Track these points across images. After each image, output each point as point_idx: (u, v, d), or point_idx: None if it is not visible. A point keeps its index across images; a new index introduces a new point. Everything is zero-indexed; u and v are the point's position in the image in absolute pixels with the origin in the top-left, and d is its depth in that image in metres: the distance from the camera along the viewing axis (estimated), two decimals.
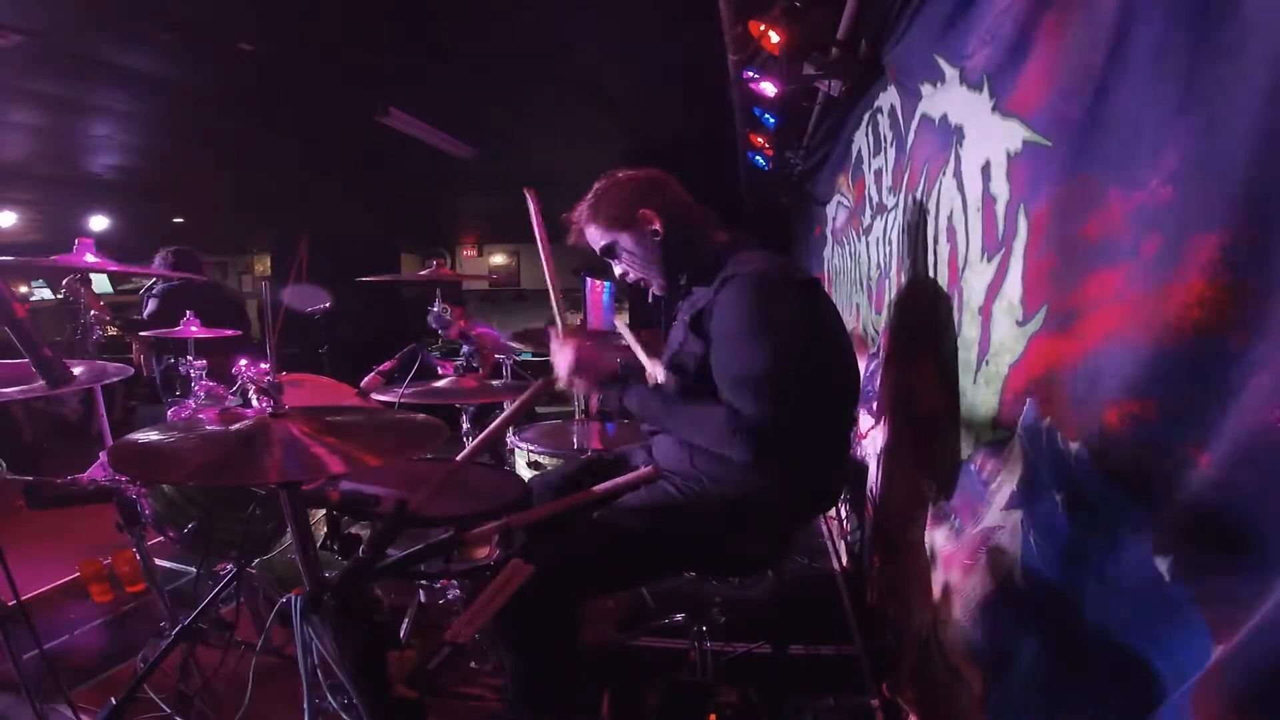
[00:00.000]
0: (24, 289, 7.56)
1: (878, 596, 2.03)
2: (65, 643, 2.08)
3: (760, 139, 3.46)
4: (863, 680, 1.94)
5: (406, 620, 1.86)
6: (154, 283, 3.81)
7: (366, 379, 2.23)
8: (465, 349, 2.50)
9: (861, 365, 2.54)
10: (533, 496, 1.66)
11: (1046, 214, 1.05)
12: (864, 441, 2.41)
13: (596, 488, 1.43)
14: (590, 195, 1.52)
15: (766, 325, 1.31)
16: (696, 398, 1.39)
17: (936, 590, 1.42)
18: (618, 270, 1.56)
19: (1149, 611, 0.76)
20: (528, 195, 1.63)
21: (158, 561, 1.88)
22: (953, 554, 1.35)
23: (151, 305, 3.64)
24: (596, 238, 1.52)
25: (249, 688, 1.21)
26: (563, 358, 1.48)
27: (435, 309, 2.27)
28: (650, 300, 1.72)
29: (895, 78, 1.96)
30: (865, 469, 2.34)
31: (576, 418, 2.71)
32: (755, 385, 1.28)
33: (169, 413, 2.54)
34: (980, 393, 1.27)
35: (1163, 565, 0.73)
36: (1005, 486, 1.14)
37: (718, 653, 1.93)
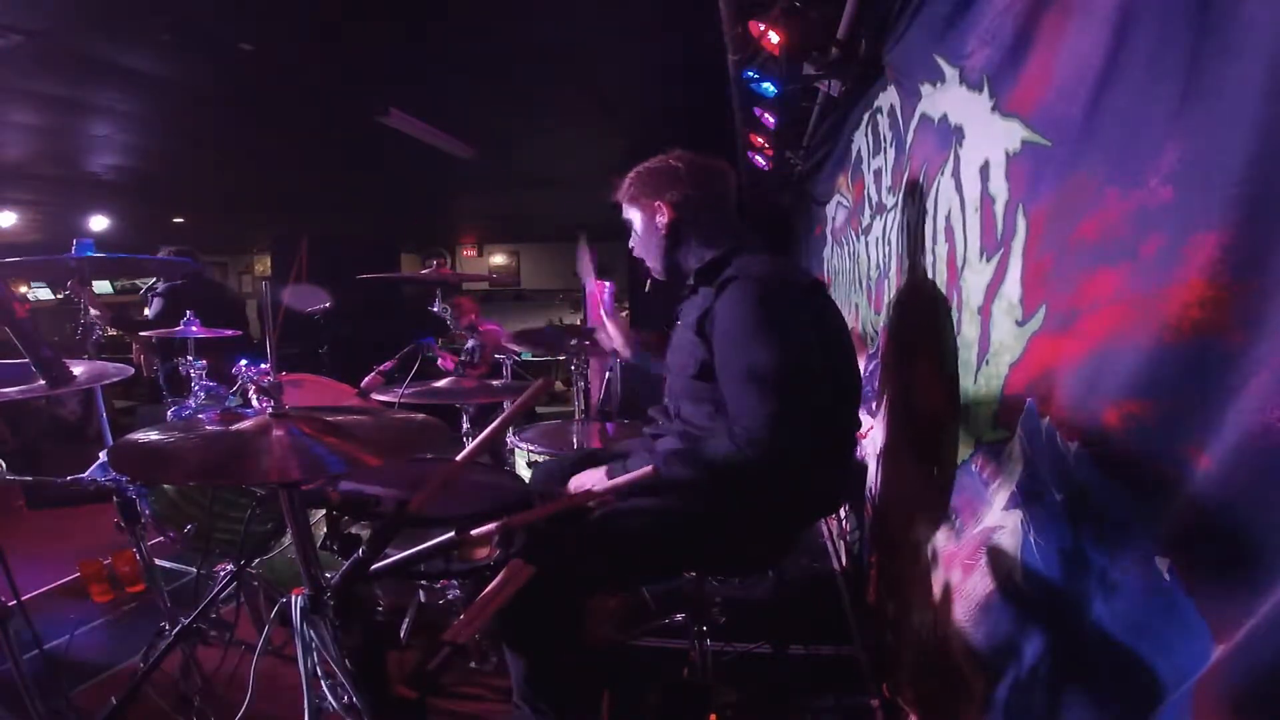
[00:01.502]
0: (24, 289, 7.56)
1: (878, 596, 2.02)
2: (65, 643, 2.08)
3: (760, 139, 3.46)
4: (863, 680, 1.94)
5: (406, 620, 1.86)
6: (156, 282, 3.81)
7: (366, 379, 2.23)
8: (470, 343, 2.53)
9: (861, 365, 2.54)
10: (531, 487, 1.67)
11: (1046, 214, 1.05)
12: (864, 441, 2.41)
13: (596, 487, 1.43)
14: (639, 167, 1.58)
15: (770, 324, 1.32)
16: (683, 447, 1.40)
17: (936, 590, 1.41)
18: (630, 242, 1.63)
19: (1149, 612, 0.76)
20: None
21: (158, 561, 1.88)
22: (953, 554, 1.35)
23: (157, 305, 3.64)
24: (625, 209, 1.60)
25: (249, 688, 1.21)
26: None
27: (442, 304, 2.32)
28: (651, 289, 1.78)
29: (895, 78, 1.96)
30: (865, 469, 2.34)
31: (576, 418, 2.71)
32: (763, 383, 1.28)
33: (169, 413, 2.54)
34: (980, 392, 1.27)
35: (1163, 565, 0.73)
36: (1005, 486, 1.14)
37: (718, 653, 1.93)
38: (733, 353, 1.34)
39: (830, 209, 3.61)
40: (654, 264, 1.58)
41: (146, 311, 3.79)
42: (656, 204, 1.51)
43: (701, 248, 1.50)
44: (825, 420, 1.40)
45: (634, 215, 1.57)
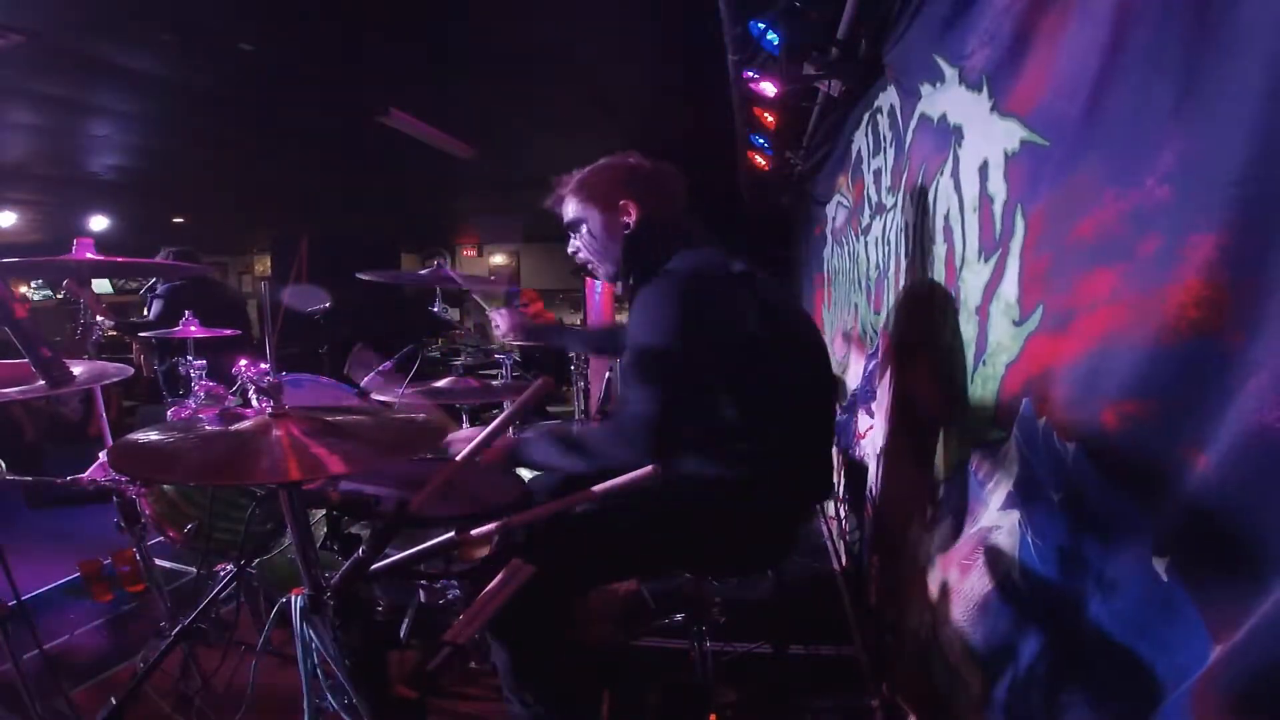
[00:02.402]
0: (24, 289, 7.56)
1: (877, 596, 2.03)
2: (65, 643, 2.08)
3: (760, 139, 3.46)
4: (863, 680, 1.94)
5: (406, 620, 1.86)
6: (156, 282, 3.81)
7: (366, 379, 2.23)
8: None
9: (860, 365, 2.54)
10: (533, 499, 1.66)
11: (1043, 214, 1.05)
12: (863, 441, 2.41)
13: (596, 487, 1.42)
14: (590, 167, 1.52)
15: (669, 316, 1.29)
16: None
17: (936, 590, 1.42)
18: (570, 247, 1.56)
19: (1147, 612, 0.76)
20: None
21: (158, 561, 1.88)
22: (951, 554, 1.35)
23: (157, 306, 3.65)
24: (570, 209, 1.52)
25: (249, 688, 1.21)
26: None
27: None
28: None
29: (894, 78, 1.96)
30: (865, 469, 2.34)
31: (577, 417, 2.71)
32: (643, 378, 1.27)
33: (169, 412, 2.54)
34: (977, 392, 1.28)
35: (1161, 566, 0.73)
36: (1002, 486, 1.15)
37: (718, 653, 1.93)
38: (631, 344, 1.32)
39: (830, 209, 3.62)
40: (608, 266, 1.50)
41: (146, 312, 3.80)
42: (622, 202, 1.44)
43: (657, 248, 1.44)
44: (785, 412, 1.37)
45: (588, 215, 1.48)
